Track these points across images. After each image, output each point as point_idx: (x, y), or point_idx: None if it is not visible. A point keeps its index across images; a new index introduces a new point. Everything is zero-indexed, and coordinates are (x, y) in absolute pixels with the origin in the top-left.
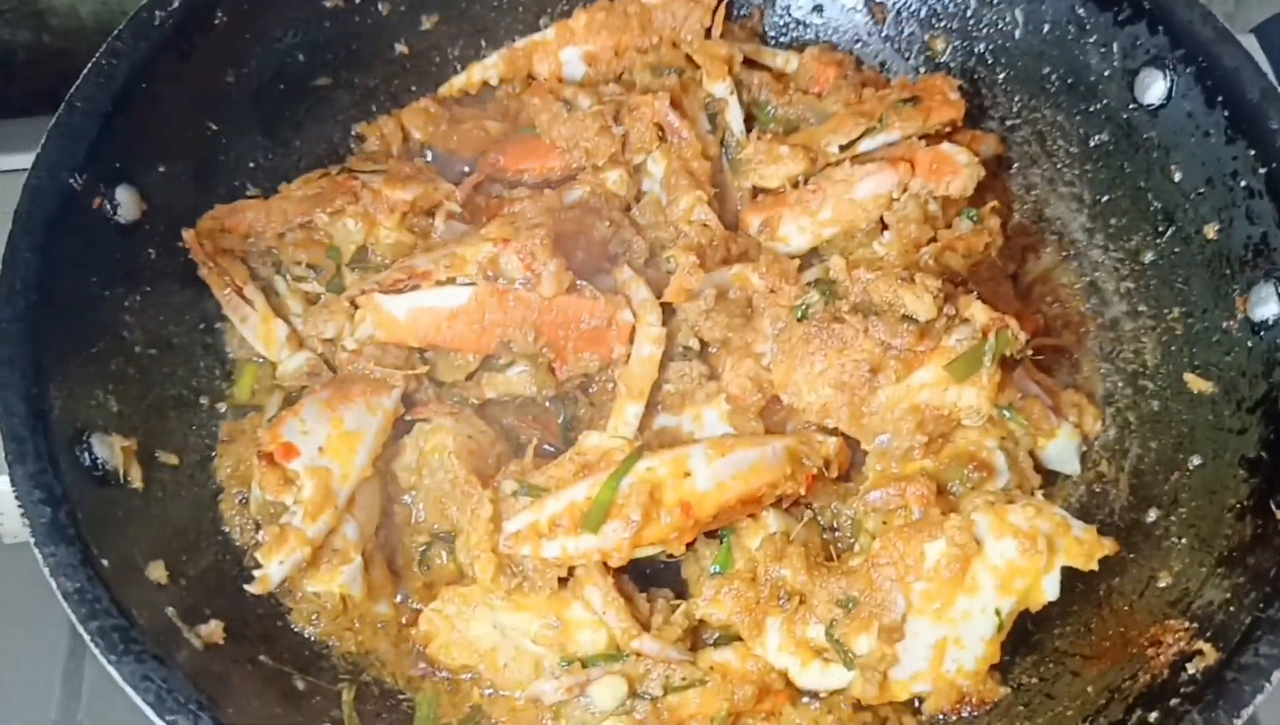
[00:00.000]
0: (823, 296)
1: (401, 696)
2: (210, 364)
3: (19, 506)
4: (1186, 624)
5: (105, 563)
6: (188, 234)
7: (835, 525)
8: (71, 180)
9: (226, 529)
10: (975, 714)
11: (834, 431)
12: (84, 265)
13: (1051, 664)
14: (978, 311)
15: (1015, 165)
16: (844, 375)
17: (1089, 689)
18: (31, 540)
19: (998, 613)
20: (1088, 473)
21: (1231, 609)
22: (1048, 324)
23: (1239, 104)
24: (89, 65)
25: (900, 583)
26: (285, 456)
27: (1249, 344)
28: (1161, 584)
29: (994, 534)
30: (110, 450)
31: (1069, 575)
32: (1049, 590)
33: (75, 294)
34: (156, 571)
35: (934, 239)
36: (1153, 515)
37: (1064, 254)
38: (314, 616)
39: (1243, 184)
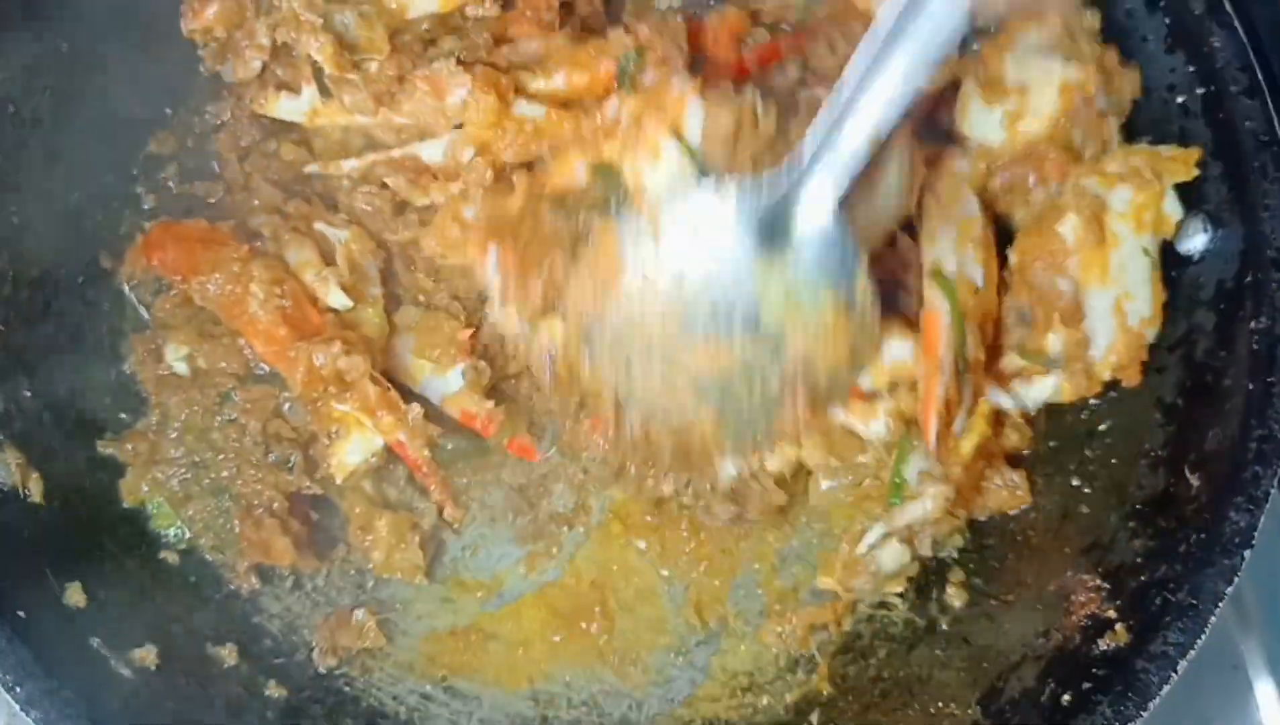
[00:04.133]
0: None
1: None
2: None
3: None
4: (1098, 581)
5: (22, 613)
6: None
7: None
8: None
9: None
10: None
11: None
12: None
13: (968, 605)
14: None
15: None
16: None
17: (1003, 640)
18: None
19: (1145, 251)
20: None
21: (1143, 578)
22: None
23: (1180, 13)
24: None
25: (1055, 270)
26: None
27: (1173, 274)
28: (1074, 526)
29: (1105, 187)
30: (4, 468)
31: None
32: (1172, 211)
33: None
34: (74, 595)
35: None
36: (1070, 446)
37: None
38: None
39: (1179, 100)
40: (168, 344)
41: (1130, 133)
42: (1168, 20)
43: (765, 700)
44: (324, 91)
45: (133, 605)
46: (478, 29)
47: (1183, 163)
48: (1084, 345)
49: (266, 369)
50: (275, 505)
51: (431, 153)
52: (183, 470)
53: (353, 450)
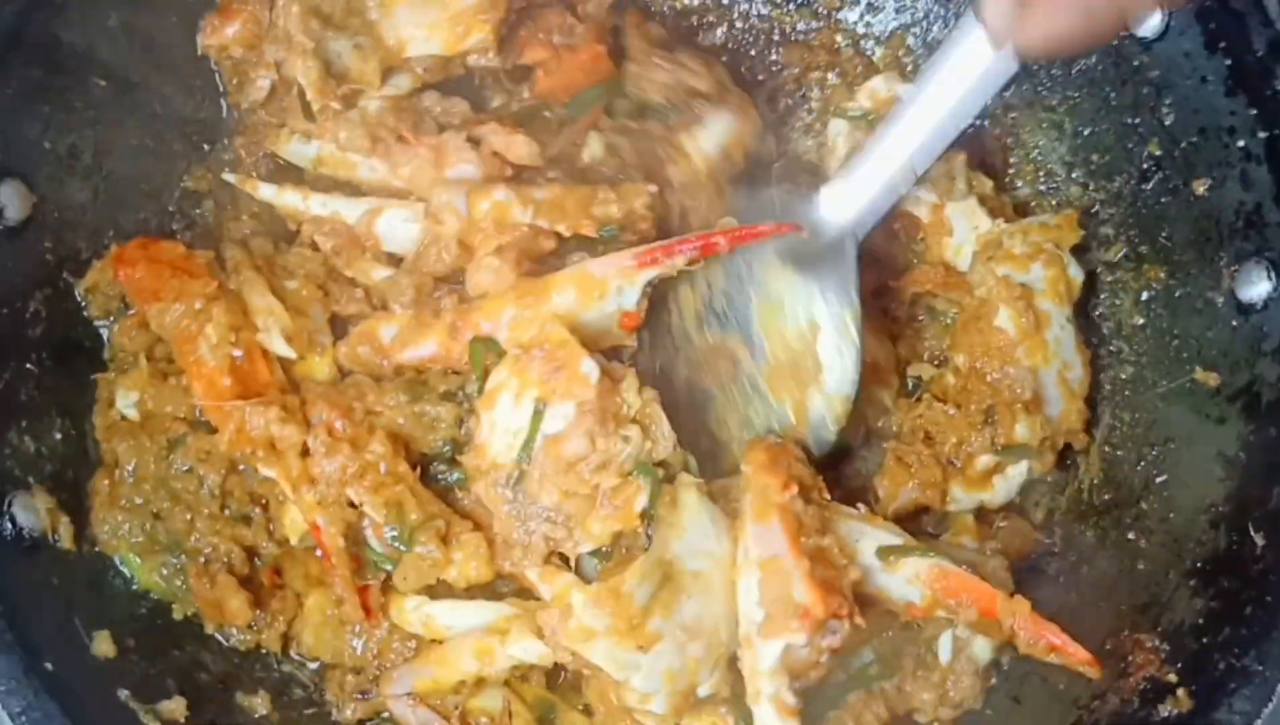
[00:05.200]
0: None
1: None
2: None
3: None
4: (1156, 642)
5: (50, 665)
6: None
7: None
8: None
9: None
10: None
11: None
12: None
13: (1019, 661)
14: None
15: None
16: None
17: (1057, 701)
18: None
19: (1069, 320)
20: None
21: (1204, 640)
22: None
23: (1242, 54)
24: None
25: (1008, 362)
26: None
27: (1234, 323)
28: (1131, 583)
29: (1022, 272)
30: (34, 514)
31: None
32: (1076, 274)
33: None
34: (103, 645)
35: None
36: (1125, 498)
37: (1040, 187)
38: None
39: (1240, 144)
40: (118, 388)
41: (1188, 176)
42: (1228, 62)
43: None
44: (308, 116)
45: (161, 655)
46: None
47: (1068, 228)
48: (1048, 425)
49: None
50: (233, 560)
51: (352, 212)
52: (142, 520)
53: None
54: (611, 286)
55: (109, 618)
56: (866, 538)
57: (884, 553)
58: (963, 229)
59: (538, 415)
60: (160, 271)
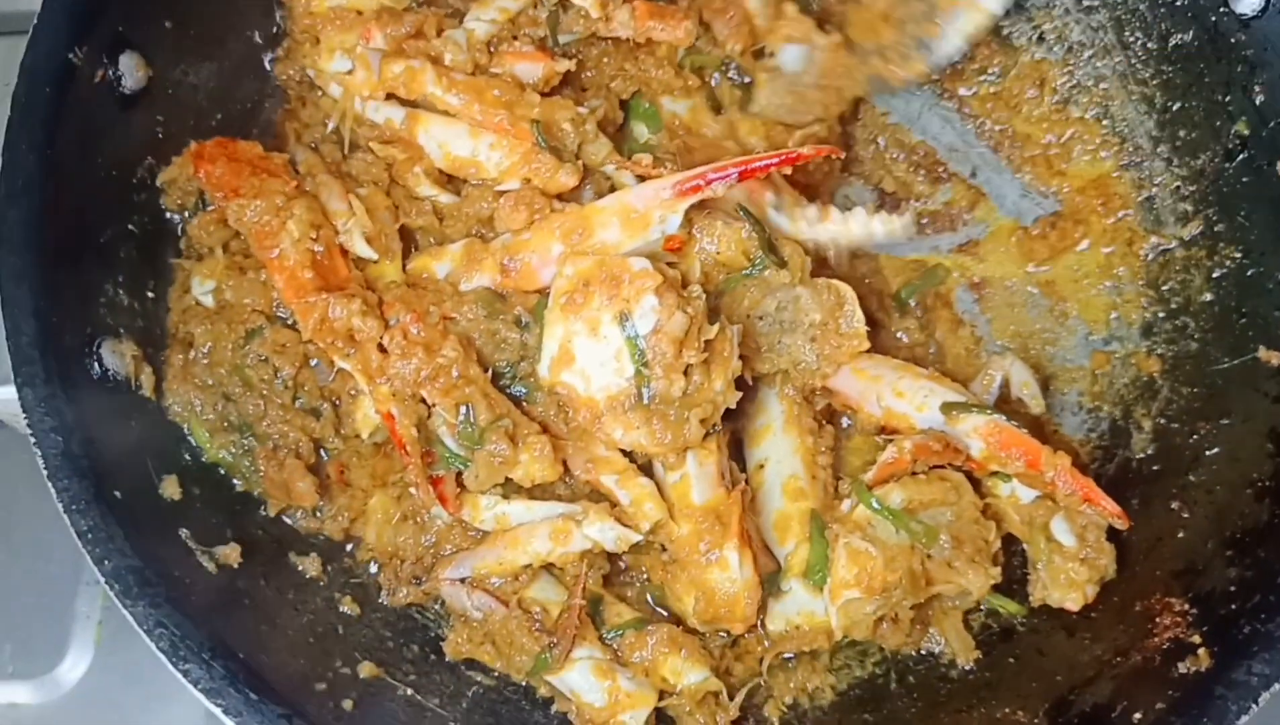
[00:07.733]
0: None
1: None
2: None
3: (31, 436)
4: (1186, 606)
5: (118, 493)
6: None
7: None
8: (71, 55)
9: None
10: None
11: None
12: (89, 147)
13: (1046, 616)
14: None
15: (1088, 52)
16: None
17: (1081, 655)
18: (44, 472)
19: None
20: (1114, 408)
21: (1233, 606)
22: None
23: None
24: None
25: None
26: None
27: None
28: (1169, 550)
29: None
30: (120, 359)
31: None
32: None
33: (82, 182)
34: (170, 487)
35: None
36: (1174, 468)
37: (1124, 162)
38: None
39: None
40: (194, 276)
41: (1273, 156)
42: None
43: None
44: None
45: (223, 509)
46: None
47: None
48: None
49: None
50: (301, 449)
51: (398, 116)
52: (214, 400)
53: (372, 407)
54: (654, 216)
55: (179, 466)
56: (934, 395)
57: (947, 408)
58: None
59: (628, 325)
60: (240, 169)
